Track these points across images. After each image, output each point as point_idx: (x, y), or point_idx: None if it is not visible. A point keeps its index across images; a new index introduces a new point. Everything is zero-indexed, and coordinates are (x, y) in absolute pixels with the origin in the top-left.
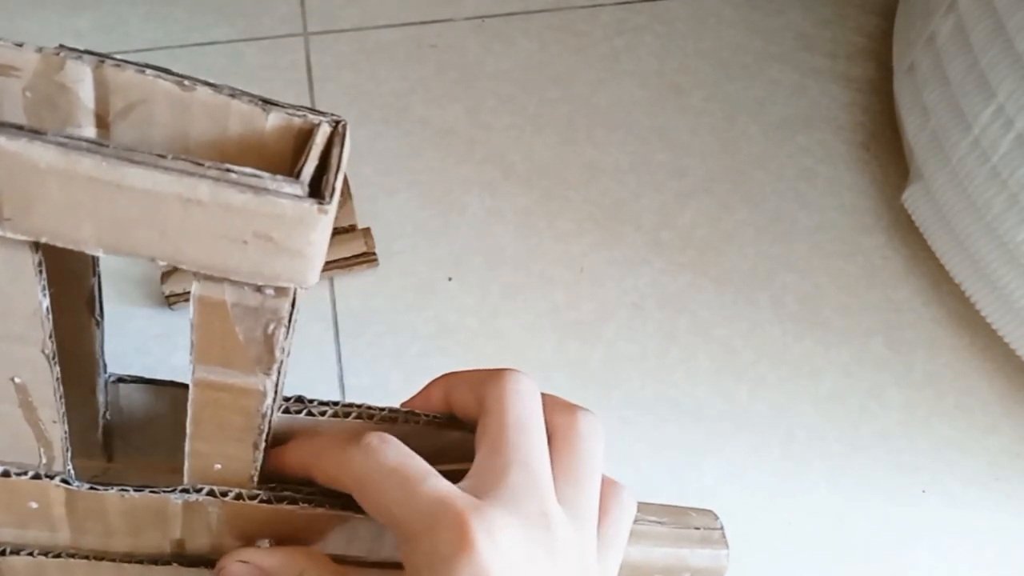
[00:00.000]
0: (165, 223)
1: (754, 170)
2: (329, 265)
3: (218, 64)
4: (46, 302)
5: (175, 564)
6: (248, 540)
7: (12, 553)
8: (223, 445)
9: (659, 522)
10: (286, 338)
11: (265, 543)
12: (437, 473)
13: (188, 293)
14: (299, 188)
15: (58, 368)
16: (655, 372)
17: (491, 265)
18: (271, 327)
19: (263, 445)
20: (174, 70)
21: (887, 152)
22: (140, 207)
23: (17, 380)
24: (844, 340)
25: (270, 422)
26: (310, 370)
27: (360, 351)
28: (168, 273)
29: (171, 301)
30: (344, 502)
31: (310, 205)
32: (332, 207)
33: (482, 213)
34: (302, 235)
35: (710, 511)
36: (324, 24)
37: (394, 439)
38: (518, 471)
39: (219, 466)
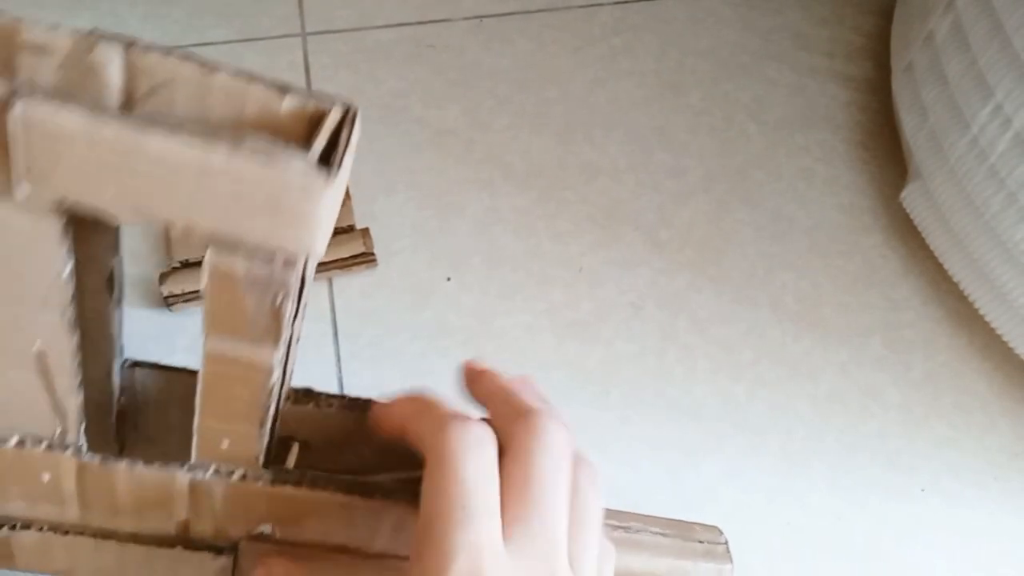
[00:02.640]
0: (182, 189)
1: (752, 169)
2: (328, 265)
3: None
4: (69, 267)
5: (179, 547)
6: (251, 524)
7: (22, 528)
8: (231, 422)
9: (663, 534)
10: (294, 313)
11: (268, 528)
12: (493, 514)
13: (187, 294)
14: (308, 159)
15: (77, 335)
16: (654, 372)
17: (490, 265)
18: (279, 298)
19: (270, 424)
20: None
21: (885, 151)
22: (159, 173)
23: (37, 347)
24: (843, 339)
25: (278, 403)
26: (309, 370)
27: (359, 351)
28: (167, 274)
29: (170, 302)
30: (348, 487)
31: (318, 175)
32: (339, 179)
33: (481, 213)
34: (310, 203)
35: (715, 527)
36: (322, 24)
37: (491, 446)
38: (537, 523)
39: (227, 443)
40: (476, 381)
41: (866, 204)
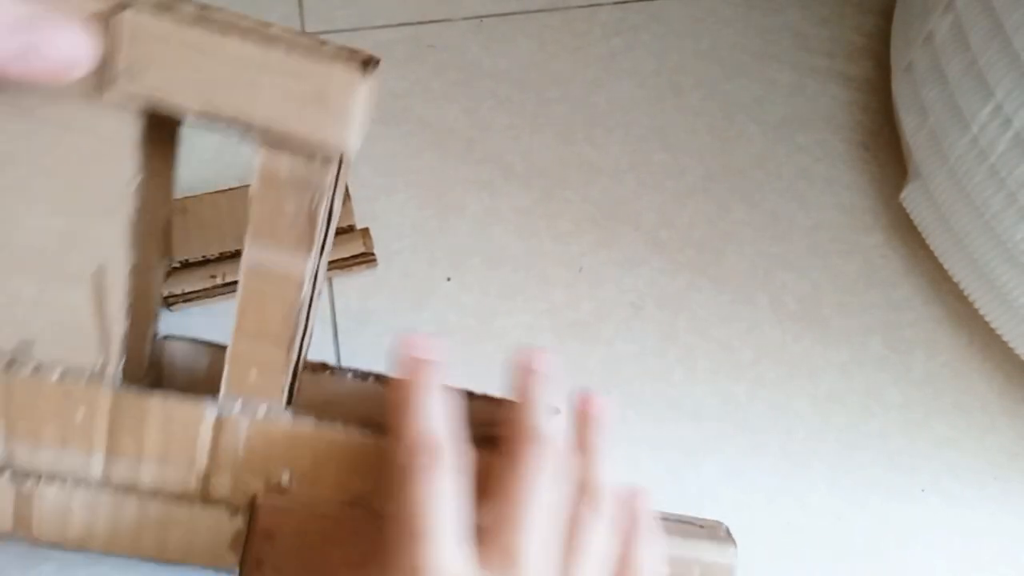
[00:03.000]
0: (246, 84)
1: (753, 169)
2: (328, 265)
3: None
4: (140, 176)
5: (198, 504)
6: (270, 471)
7: (46, 481)
8: (262, 344)
9: (664, 518)
10: (326, 221)
11: (286, 477)
12: (446, 534)
13: (187, 294)
14: (349, 61)
15: (135, 253)
16: (654, 372)
17: (490, 265)
18: (315, 201)
19: (297, 352)
20: None
21: (886, 151)
22: (230, 70)
23: (97, 261)
24: (843, 339)
25: (305, 331)
26: None
27: (359, 352)
28: (167, 274)
29: (170, 302)
30: (363, 427)
31: (357, 70)
32: (372, 81)
33: (481, 213)
34: (349, 97)
35: (716, 520)
36: (322, 24)
37: (449, 469)
38: (511, 549)
39: (255, 373)
40: (520, 377)
41: (866, 204)
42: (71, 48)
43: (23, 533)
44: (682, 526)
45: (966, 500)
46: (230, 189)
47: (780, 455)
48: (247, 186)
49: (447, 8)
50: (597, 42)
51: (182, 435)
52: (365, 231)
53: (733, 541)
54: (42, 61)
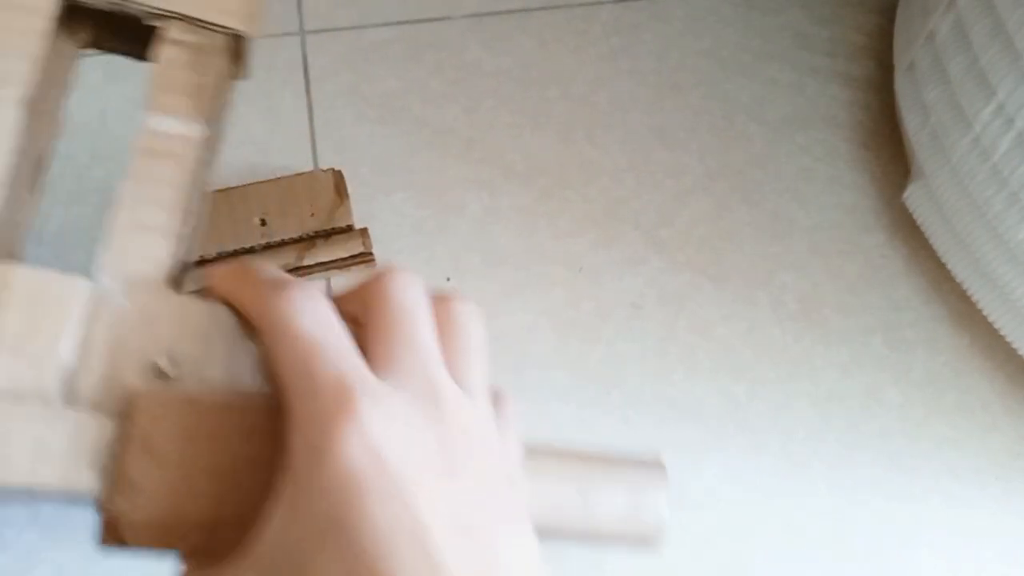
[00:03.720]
0: None
1: (753, 169)
2: (327, 265)
3: None
4: (44, 60)
5: (57, 404)
6: (150, 359)
7: None
8: (147, 213)
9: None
10: (220, 92)
11: (164, 360)
12: (349, 352)
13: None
14: None
15: (22, 139)
16: (654, 371)
17: (490, 265)
18: (212, 74)
19: (186, 230)
20: None
21: (887, 151)
22: None
23: None
24: (844, 339)
25: (199, 201)
26: None
27: None
28: None
29: None
30: None
31: None
32: None
33: (480, 213)
34: None
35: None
36: (321, 23)
37: (322, 299)
38: (404, 351)
39: (137, 246)
40: (339, 299)
41: (868, 204)
42: None
43: None
44: (609, 457)
45: (967, 500)
46: (229, 189)
47: (780, 455)
48: (246, 185)
49: (446, 6)
50: (598, 41)
51: (48, 317)
52: (364, 231)
53: (664, 470)
54: None
